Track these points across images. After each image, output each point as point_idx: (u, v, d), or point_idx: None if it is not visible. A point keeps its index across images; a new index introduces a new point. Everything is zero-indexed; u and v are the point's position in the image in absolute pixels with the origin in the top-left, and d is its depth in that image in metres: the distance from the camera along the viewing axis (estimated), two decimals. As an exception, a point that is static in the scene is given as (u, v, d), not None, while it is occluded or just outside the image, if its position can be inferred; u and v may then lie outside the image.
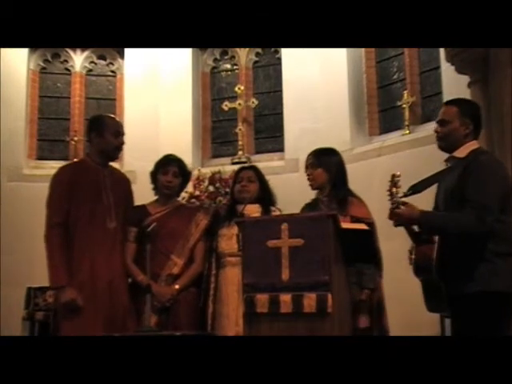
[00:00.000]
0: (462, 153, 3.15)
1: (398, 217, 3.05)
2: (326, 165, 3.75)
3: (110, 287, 3.70)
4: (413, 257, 3.29)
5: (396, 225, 3.10)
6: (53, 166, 6.12)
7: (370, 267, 3.47)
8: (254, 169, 4.16)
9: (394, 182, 3.07)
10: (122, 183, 4.02)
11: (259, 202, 3.97)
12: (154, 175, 4.04)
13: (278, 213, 3.89)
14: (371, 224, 3.55)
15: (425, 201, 3.25)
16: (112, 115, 4.54)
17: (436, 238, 3.15)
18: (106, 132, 3.86)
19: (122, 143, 3.95)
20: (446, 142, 3.21)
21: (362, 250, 3.28)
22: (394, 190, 3.05)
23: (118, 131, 3.92)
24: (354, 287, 3.43)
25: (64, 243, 3.69)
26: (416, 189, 3.13)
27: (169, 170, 3.98)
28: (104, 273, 3.70)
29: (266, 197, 4.02)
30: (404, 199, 3.07)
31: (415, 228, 3.24)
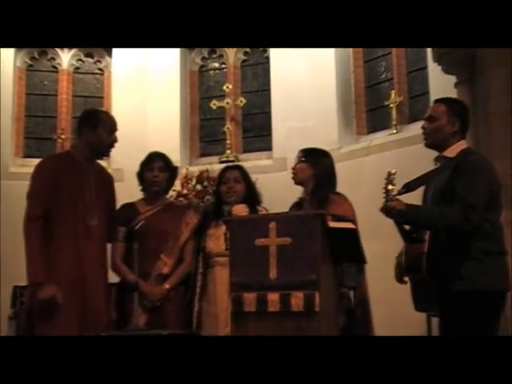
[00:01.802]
0: (451, 152, 3.16)
1: (388, 210, 3.06)
2: (312, 162, 3.75)
3: (87, 286, 3.58)
4: (403, 258, 3.31)
5: (387, 216, 3.11)
6: (40, 165, 6.06)
7: (350, 265, 3.44)
8: (240, 168, 4.13)
9: (389, 179, 3.07)
10: (106, 182, 3.92)
11: (245, 202, 3.96)
12: (141, 175, 4.01)
13: (265, 212, 3.88)
14: (352, 221, 3.54)
15: (419, 200, 3.27)
16: (107, 111, 4.43)
17: (426, 236, 3.16)
18: (100, 128, 3.73)
19: (115, 141, 3.81)
20: (432, 139, 3.22)
21: (348, 248, 3.28)
22: (390, 187, 3.06)
23: (112, 128, 3.80)
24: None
25: (43, 237, 3.55)
26: (410, 187, 3.14)
27: (154, 165, 3.95)
28: (81, 271, 3.58)
29: (252, 197, 4.01)
30: (398, 197, 3.07)
31: (406, 227, 3.25)
